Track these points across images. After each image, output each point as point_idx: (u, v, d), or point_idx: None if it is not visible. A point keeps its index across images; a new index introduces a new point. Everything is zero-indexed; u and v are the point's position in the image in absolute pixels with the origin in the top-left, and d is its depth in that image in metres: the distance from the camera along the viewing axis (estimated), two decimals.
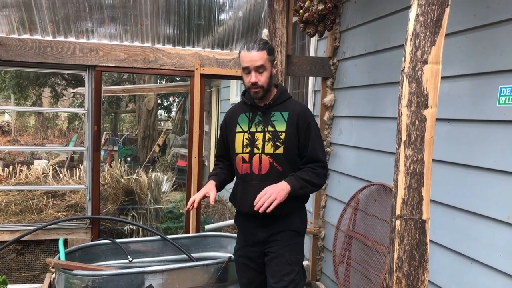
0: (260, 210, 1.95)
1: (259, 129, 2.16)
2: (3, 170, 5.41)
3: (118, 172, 4.55)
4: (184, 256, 3.11)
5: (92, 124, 3.25)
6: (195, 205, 2.13)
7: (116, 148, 11.09)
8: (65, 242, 3.23)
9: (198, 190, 3.48)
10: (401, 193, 1.59)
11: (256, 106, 2.19)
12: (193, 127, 3.42)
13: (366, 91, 3.09)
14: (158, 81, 12.84)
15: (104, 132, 12.46)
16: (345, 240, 2.97)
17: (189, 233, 3.44)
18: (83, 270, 2.59)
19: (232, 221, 4.99)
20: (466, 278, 2.13)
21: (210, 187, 2.17)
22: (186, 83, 10.81)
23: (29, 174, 4.77)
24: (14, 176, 4.83)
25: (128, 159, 10.65)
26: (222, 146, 2.36)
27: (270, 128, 2.15)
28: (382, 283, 2.49)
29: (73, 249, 2.96)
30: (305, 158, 2.16)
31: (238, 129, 2.21)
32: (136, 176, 4.55)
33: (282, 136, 2.13)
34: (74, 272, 2.55)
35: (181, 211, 5.07)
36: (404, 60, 1.59)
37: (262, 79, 2.09)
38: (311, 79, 3.89)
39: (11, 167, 5.03)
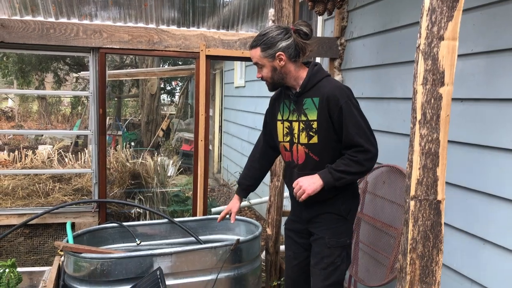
0: (297, 200, 2.05)
1: (294, 118, 2.12)
2: (9, 155, 5.42)
3: (123, 156, 4.54)
4: (192, 239, 3.11)
5: (97, 107, 3.21)
6: (218, 220, 2.54)
7: (120, 133, 11.09)
8: (73, 225, 3.23)
9: (205, 174, 3.48)
10: (415, 173, 1.56)
11: (289, 94, 2.14)
12: (199, 110, 3.38)
13: (375, 71, 3.03)
14: (161, 65, 12.76)
15: (108, 117, 12.42)
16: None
17: (196, 216, 3.43)
18: (92, 253, 2.59)
19: None
20: (478, 259, 2.11)
21: (233, 205, 2.44)
22: (189, 66, 10.73)
23: (35, 158, 4.76)
24: (20, 161, 4.82)
25: (132, 143, 10.66)
26: (263, 132, 2.41)
27: (303, 117, 2.08)
28: (392, 264, 2.48)
29: (81, 232, 2.96)
30: (343, 143, 2.03)
31: (279, 116, 2.21)
32: (141, 160, 4.54)
33: (315, 125, 2.04)
34: (82, 255, 2.55)
35: (186, 195, 5.08)
36: (420, 37, 1.54)
37: (263, 74, 2.09)
38: (318, 60, 3.83)
39: (16, 152, 5.03)
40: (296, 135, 2.11)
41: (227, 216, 2.50)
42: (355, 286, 3.02)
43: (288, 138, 2.16)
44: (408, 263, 1.57)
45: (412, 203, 1.56)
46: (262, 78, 2.11)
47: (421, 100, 1.55)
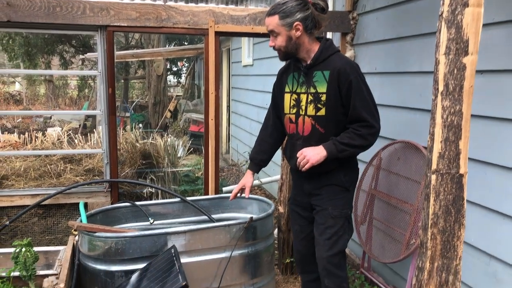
0: (300, 169, 2.08)
1: (303, 90, 2.16)
2: (19, 137, 5.43)
3: (133, 136, 4.52)
4: (205, 217, 3.10)
5: (106, 86, 3.17)
6: (232, 197, 2.53)
7: (127, 114, 11.08)
8: (85, 205, 3.24)
9: (216, 153, 3.46)
10: (437, 147, 1.52)
11: (299, 66, 2.17)
12: (209, 88, 3.33)
13: (389, 45, 2.95)
14: (167, 45, 12.65)
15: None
16: (367, 199, 2.92)
17: (208, 195, 3.42)
18: (106, 232, 2.59)
19: None
20: (497, 234, 2.07)
21: (246, 180, 2.45)
22: (196, 46, 10.62)
23: (45, 140, 4.76)
24: (30, 143, 4.83)
25: (140, 125, 10.67)
26: (272, 106, 2.42)
27: (312, 90, 2.12)
28: (407, 241, 2.46)
29: (94, 212, 2.97)
30: (348, 117, 2.10)
31: (287, 89, 2.24)
32: (151, 140, 4.53)
33: (323, 97, 2.09)
34: (97, 234, 2.56)
35: (196, 175, 5.08)
36: (443, 4, 1.48)
37: (277, 42, 2.10)
38: (329, 35, 3.74)
39: (26, 134, 5.03)
40: (303, 107, 2.15)
41: (239, 194, 2.51)
42: (369, 262, 3.02)
43: (294, 110, 2.20)
44: (429, 238, 1.54)
45: (433, 177, 1.52)
46: (275, 47, 2.13)
47: (443, 70, 1.50)
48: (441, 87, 1.50)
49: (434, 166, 1.52)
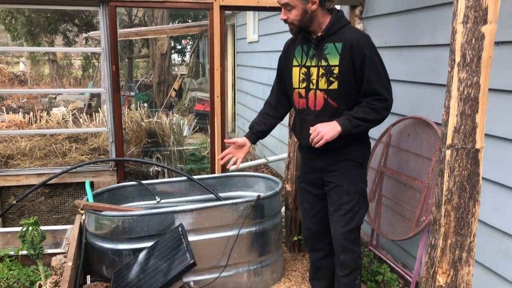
0: (313, 146, 2.01)
1: (313, 63, 2.08)
2: (24, 117, 5.41)
3: (138, 115, 4.48)
4: (211, 196, 3.08)
5: (110, 63, 3.12)
6: (220, 157, 2.38)
7: (132, 94, 11.01)
8: (92, 184, 3.23)
9: (222, 131, 3.41)
10: (452, 121, 1.46)
11: (309, 39, 2.09)
12: (214, 64, 3.26)
13: (400, 18, 2.85)
14: (171, 23, 12.47)
15: (120, 79, 12.34)
16: (376, 177, 2.88)
17: (214, 173, 3.40)
18: (113, 211, 2.58)
19: (256, 162, 4.96)
20: (510, 211, 2.03)
21: (241, 146, 2.32)
22: (200, 23, 10.46)
23: (50, 119, 4.73)
24: (35, 122, 4.81)
25: (145, 104, 10.61)
26: (277, 80, 2.34)
27: (323, 63, 2.05)
28: (417, 218, 2.42)
29: (100, 191, 2.96)
30: (362, 91, 2.04)
31: (295, 62, 2.17)
32: (156, 119, 4.48)
33: (336, 70, 2.02)
34: (103, 213, 2.55)
35: (202, 154, 5.05)
36: None
37: (290, 16, 2.03)
38: (337, 8, 3.63)
39: (31, 114, 5.01)
40: (314, 81, 2.08)
41: (230, 166, 2.41)
42: (377, 240, 3.00)
43: (304, 84, 2.13)
44: (443, 215, 1.50)
45: (448, 152, 1.47)
46: (287, 21, 2.05)
47: (460, 40, 1.42)
48: (457, 58, 1.43)
49: (449, 141, 1.46)
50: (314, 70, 2.08)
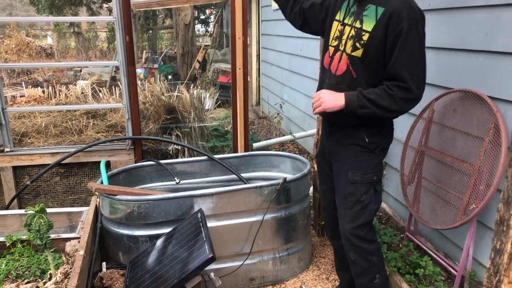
0: (313, 111, 1.86)
1: (349, 22, 1.83)
2: (43, 92, 5.30)
3: (158, 89, 4.27)
4: (234, 176, 2.88)
5: (123, 34, 2.88)
6: None
7: (156, 66, 10.82)
8: (108, 164, 3.07)
9: (245, 106, 3.15)
10: None
11: None
12: (236, 32, 2.98)
13: None
14: None
15: (144, 51, 12.17)
16: (416, 157, 2.58)
17: (237, 152, 3.17)
18: (127, 195, 2.40)
19: (282, 138, 4.70)
20: None
21: None
22: None
23: (69, 94, 4.59)
24: (55, 97, 4.68)
25: (169, 77, 10.42)
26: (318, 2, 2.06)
27: (357, 24, 1.79)
28: (465, 206, 2.13)
29: (116, 171, 2.79)
30: (386, 72, 1.74)
31: (337, 16, 1.92)
32: (177, 93, 4.26)
33: (365, 37, 1.74)
34: (118, 197, 2.37)
35: (226, 129, 4.82)
36: None
37: None
38: None
39: (50, 88, 4.88)
40: (343, 42, 1.85)
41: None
42: (415, 226, 2.73)
43: (335, 43, 1.90)
44: None
45: None
46: None
47: None
48: None
49: None
50: (347, 30, 1.83)
